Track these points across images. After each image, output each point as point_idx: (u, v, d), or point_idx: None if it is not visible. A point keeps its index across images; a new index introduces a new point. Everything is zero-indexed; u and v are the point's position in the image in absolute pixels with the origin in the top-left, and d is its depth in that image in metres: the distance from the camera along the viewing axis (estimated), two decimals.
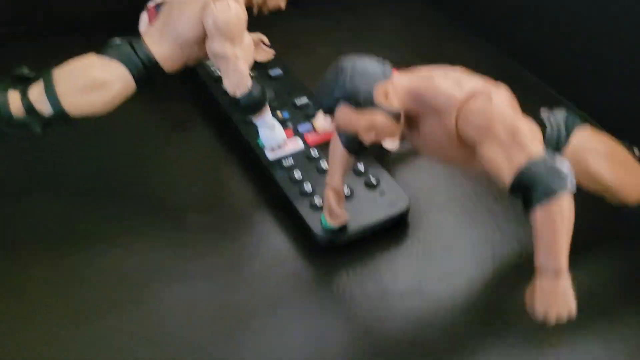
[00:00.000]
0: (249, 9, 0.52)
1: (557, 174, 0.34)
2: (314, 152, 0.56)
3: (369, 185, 0.53)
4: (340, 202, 0.49)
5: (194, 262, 0.49)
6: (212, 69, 0.64)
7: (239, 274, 0.49)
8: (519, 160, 0.35)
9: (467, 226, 0.53)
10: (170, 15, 0.50)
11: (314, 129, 0.58)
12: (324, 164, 0.54)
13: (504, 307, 0.46)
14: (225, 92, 0.60)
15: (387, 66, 0.38)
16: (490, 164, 0.36)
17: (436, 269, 0.49)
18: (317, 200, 0.51)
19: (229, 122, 0.60)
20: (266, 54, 0.65)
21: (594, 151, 0.41)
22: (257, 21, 0.57)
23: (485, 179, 0.56)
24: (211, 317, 0.45)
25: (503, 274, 0.49)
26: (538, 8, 0.66)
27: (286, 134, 0.56)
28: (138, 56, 0.50)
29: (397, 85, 0.38)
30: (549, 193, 0.33)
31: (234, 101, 0.51)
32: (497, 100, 0.36)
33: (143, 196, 0.55)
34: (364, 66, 0.38)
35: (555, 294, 0.34)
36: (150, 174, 0.57)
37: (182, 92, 0.66)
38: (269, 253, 0.51)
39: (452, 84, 0.37)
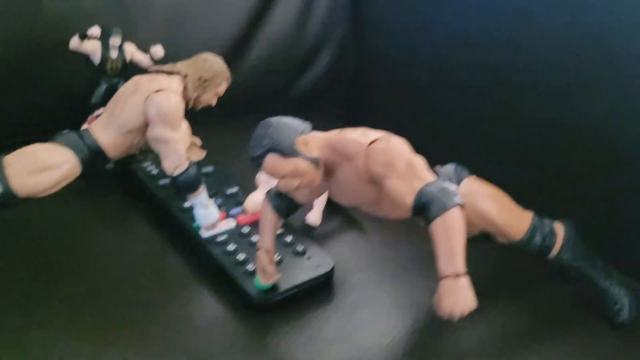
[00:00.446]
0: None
1: (448, 193, 0.42)
2: (245, 229, 0.62)
3: (297, 253, 0.59)
4: (271, 261, 0.54)
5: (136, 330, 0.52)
6: (148, 168, 0.71)
7: (183, 336, 0.52)
8: (417, 186, 0.43)
9: (387, 282, 0.59)
10: (115, 108, 0.58)
11: (244, 210, 0.64)
12: (254, 238, 0.60)
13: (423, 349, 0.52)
14: (162, 187, 0.67)
15: (307, 124, 0.47)
16: (395, 192, 0.43)
17: (361, 320, 0.54)
18: (251, 267, 0.56)
19: (167, 213, 0.65)
20: (199, 154, 0.73)
21: (480, 193, 0.50)
22: (192, 125, 0.65)
23: (400, 246, 0.64)
24: None
25: (421, 321, 0.55)
26: None
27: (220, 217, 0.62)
28: (85, 143, 0.56)
29: (315, 139, 0.46)
30: (443, 207, 0.41)
31: (173, 181, 0.57)
32: (395, 142, 0.44)
33: (85, 285, 0.57)
34: (287, 121, 0.46)
35: (457, 292, 0.41)
36: (90, 262, 0.60)
37: (118, 191, 0.71)
38: (208, 318, 0.55)
39: (359, 135, 0.46)
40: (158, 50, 0.77)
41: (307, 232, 0.64)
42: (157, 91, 0.57)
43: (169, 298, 0.56)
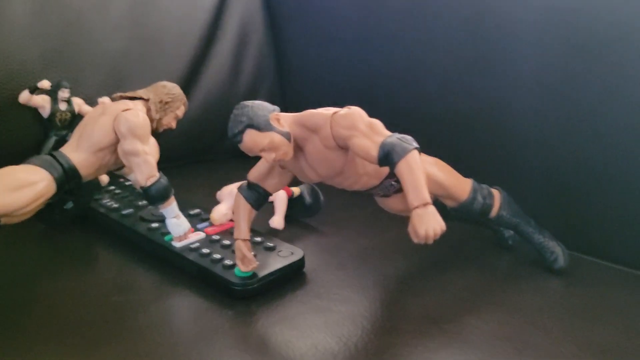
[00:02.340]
0: None
1: (406, 140, 0.50)
2: (216, 237, 0.66)
3: (268, 248, 0.64)
4: (249, 249, 0.58)
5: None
6: (109, 203, 0.74)
7: (170, 330, 0.54)
8: (379, 140, 0.50)
9: (352, 267, 0.65)
10: (85, 129, 0.62)
11: (210, 223, 0.68)
12: (226, 242, 0.64)
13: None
14: (126, 215, 0.70)
15: (275, 106, 0.53)
16: (361, 149, 0.50)
17: (332, 298, 0.59)
18: (228, 262, 0.60)
19: (135, 236, 0.68)
20: None
21: (426, 161, 0.58)
22: None
23: (358, 239, 0.70)
24: None
25: (386, 293, 0.60)
26: None
27: None
28: (59, 162, 0.59)
29: (285, 117, 0.53)
30: (404, 149, 0.49)
31: (145, 192, 0.61)
32: (355, 109, 0.52)
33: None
34: (260, 102, 0.53)
35: (428, 217, 0.47)
36: (60, 291, 0.61)
37: (79, 230, 0.73)
38: (192, 312, 0.57)
39: (323, 110, 0.53)
40: (105, 102, 0.82)
41: (273, 234, 0.69)
42: (125, 110, 0.61)
43: (150, 304, 0.58)
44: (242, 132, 0.51)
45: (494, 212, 0.62)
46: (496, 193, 0.63)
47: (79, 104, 0.82)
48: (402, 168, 0.49)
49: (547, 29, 0.69)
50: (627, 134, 0.64)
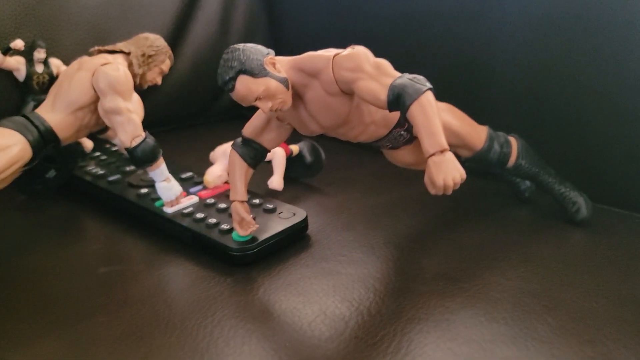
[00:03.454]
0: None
1: (418, 80, 0.44)
2: (210, 200, 0.61)
3: (267, 210, 0.59)
4: (247, 211, 0.53)
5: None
6: (94, 170, 0.68)
7: (166, 301, 0.49)
8: (388, 81, 0.44)
9: (356, 227, 0.60)
10: (61, 88, 0.56)
11: (204, 187, 0.63)
12: (221, 205, 0.59)
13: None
14: (113, 182, 0.65)
15: (270, 49, 0.48)
16: (368, 92, 0.45)
17: (338, 261, 0.54)
18: (225, 226, 0.55)
19: (123, 204, 0.63)
20: None
21: (439, 107, 0.52)
22: None
23: (361, 198, 0.65)
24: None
25: (395, 252, 0.56)
26: None
27: None
28: (34, 124, 0.53)
29: (281, 61, 0.47)
30: (417, 91, 0.43)
31: (131, 153, 0.56)
32: (359, 48, 0.46)
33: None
34: (252, 45, 0.47)
35: (446, 165, 0.42)
36: (49, 265, 0.56)
37: (63, 199, 0.68)
38: (189, 280, 0.52)
39: (324, 52, 0.47)
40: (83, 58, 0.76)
41: (273, 196, 0.64)
42: (104, 65, 0.56)
43: (141, 274, 0.53)
44: (233, 78, 0.46)
45: (511, 161, 0.57)
46: (513, 141, 0.58)
47: (57, 65, 0.76)
48: (415, 111, 0.43)
49: None
50: None
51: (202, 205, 0.60)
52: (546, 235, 0.58)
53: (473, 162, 0.57)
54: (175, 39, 0.91)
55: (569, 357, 0.40)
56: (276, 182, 0.66)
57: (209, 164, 0.67)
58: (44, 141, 0.54)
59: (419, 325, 0.44)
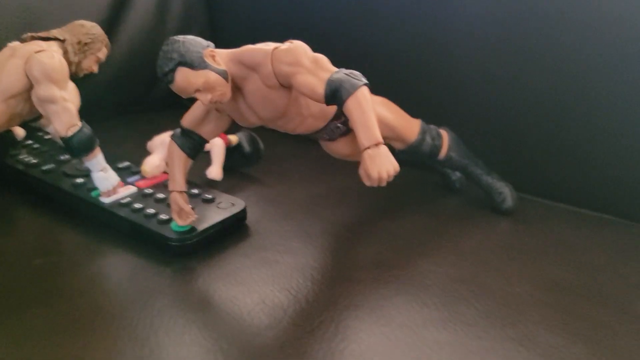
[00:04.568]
0: None
1: (354, 75, 0.46)
2: (148, 190, 0.60)
3: (206, 200, 0.59)
4: (186, 201, 0.53)
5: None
6: (27, 158, 0.66)
7: (104, 292, 0.49)
8: (325, 76, 0.46)
9: (294, 217, 0.61)
10: None
11: (142, 176, 0.63)
12: (160, 195, 0.59)
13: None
14: (47, 171, 0.64)
15: (209, 42, 0.48)
16: (306, 86, 0.46)
17: (277, 250, 0.55)
18: (164, 216, 0.55)
19: (58, 194, 0.61)
20: None
21: (374, 101, 0.54)
22: None
23: (297, 188, 0.67)
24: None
25: (331, 241, 0.58)
26: None
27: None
28: None
29: (221, 53, 0.48)
30: (353, 85, 0.45)
31: (67, 143, 0.55)
32: (297, 43, 0.47)
33: None
34: (192, 37, 0.47)
35: (380, 158, 0.44)
36: None
37: None
38: (127, 271, 0.52)
39: (263, 45, 0.48)
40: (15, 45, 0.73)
41: (211, 186, 0.64)
42: (38, 52, 0.54)
43: (78, 266, 0.53)
44: (173, 70, 0.46)
45: (442, 153, 0.60)
46: (444, 134, 0.61)
47: None
48: (351, 105, 0.45)
49: None
50: (579, 71, 0.62)
51: (140, 195, 0.60)
52: (475, 224, 0.61)
53: (406, 154, 0.59)
54: (111, 26, 0.88)
55: (493, 339, 0.43)
56: (215, 172, 0.66)
57: (147, 153, 0.67)
58: None
59: (355, 311, 0.46)
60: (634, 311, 0.47)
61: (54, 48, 0.57)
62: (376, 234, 0.59)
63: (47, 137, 0.73)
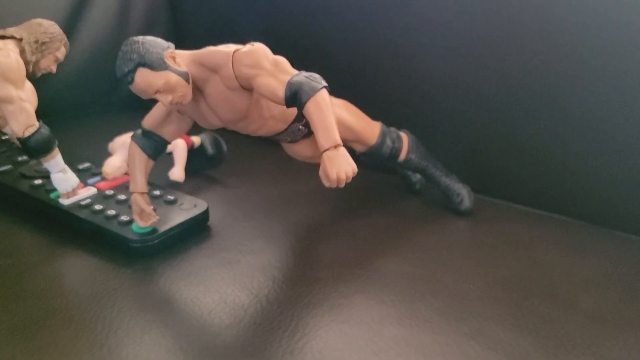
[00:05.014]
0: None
1: (314, 78, 0.47)
2: (109, 192, 0.60)
3: (168, 202, 0.59)
4: (147, 202, 0.53)
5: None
6: None
7: (63, 295, 0.49)
8: (286, 79, 0.47)
9: (256, 217, 0.62)
10: None
11: (103, 177, 0.62)
12: (121, 197, 0.59)
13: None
14: (3, 172, 0.63)
15: (170, 43, 0.48)
16: (266, 89, 0.47)
17: (239, 250, 0.56)
18: (125, 218, 0.55)
19: (15, 195, 0.61)
20: None
21: (334, 104, 0.55)
22: None
23: (260, 188, 0.67)
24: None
25: (293, 242, 0.58)
26: None
27: None
28: None
29: (181, 55, 0.48)
30: (313, 88, 0.46)
31: (24, 143, 0.54)
32: (258, 45, 0.48)
33: None
34: (152, 38, 0.47)
35: (339, 159, 0.45)
36: None
37: None
38: (87, 273, 0.52)
39: (224, 47, 0.48)
40: None
41: (173, 187, 0.64)
42: None
43: (37, 267, 0.52)
44: (132, 71, 0.46)
45: (402, 155, 0.61)
46: (404, 136, 0.62)
47: None
48: (310, 108, 0.46)
49: None
50: (531, 75, 0.64)
51: (101, 196, 0.59)
52: (434, 224, 0.63)
53: (367, 156, 0.61)
54: (71, 25, 0.87)
55: (447, 334, 0.45)
56: (177, 173, 0.66)
57: (108, 154, 0.66)
58: None
59: (315, 309, 0.47)
60: (580, 306, 0.49)
61: (10, 47, 0.56)
62: (336, 234, 0.60)
63: (4, 137, 0.72)
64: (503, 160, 0.69)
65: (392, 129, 0.62)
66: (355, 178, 0.47)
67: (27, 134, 0.54)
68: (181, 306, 0.48)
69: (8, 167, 0.64)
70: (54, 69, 0.61)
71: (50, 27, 0.60)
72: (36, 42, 0.58)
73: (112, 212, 0.56)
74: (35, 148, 0.55)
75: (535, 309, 0.48)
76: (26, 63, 0.57)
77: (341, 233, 0.60)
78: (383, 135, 0.60)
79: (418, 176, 0.68)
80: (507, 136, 0.68)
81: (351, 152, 0.58)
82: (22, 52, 0.57)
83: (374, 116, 0.61)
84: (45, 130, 0.55)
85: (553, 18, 0.61)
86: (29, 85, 0.55)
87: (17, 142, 0.56)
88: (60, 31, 0.61)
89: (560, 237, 0.61)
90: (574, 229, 0.63)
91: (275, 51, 0.50)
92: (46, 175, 0.60)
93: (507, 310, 0.48)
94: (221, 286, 0.50)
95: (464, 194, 0.64)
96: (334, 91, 0.50)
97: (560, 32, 0.61)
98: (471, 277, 0.52)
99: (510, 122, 0.67)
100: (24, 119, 0.54)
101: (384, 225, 0.62)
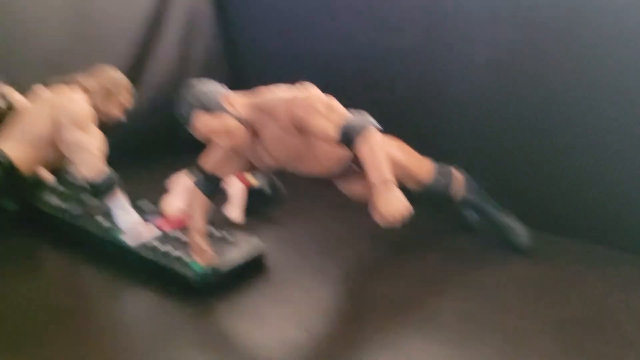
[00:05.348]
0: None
1: (367, 120, 0.48)
2: (171, 233, 0.63)
3: (226, 242, 0.61)
4: (207, 244, 0.56)
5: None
6: (53, 202, 0.69)
7: (127, 332, 0.51)
8: (340, 121, 0.48)
9: (313, 259, 0.64)
10: (22, 122, 0.58)
11: (164, 216, 0.65)
12: (182, 238, 0.61)
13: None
14: (76, 216, 0.66)
15: (224, 85, 0.51)
16: (321, 130, 0.49)
17: (295, 290, 0.58)
18: (187, 258, 0.57)
19: (84, 236, 0.64)
20: None
21: (387, 142, 0.56)
22: None
23: (318, 230, 0.68)
24: None
25: (350, 284, 0.59)
26: None
27: None
28: None
29: (239, 100, 0.51)
30: (364, 127, 0.48)
31: (91, 185, 0.57)
32: (313, 91, 0.50)
33: None
34: (207, 82, 0.50)
35: (389, 195, 0.46)
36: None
37: (21, 230, 0.68)
38: (149, 311, 0.55)
39: (279, 91, 0.51)
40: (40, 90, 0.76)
41: (231, 226, 0.67)
42: (63, 97, 0.58)
43: (101, 306, 0.55)
44: (190, 114, 0.49)
45: (458, 193, 0.62)
46: (458, 175, 0.63)
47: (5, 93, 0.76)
48: (362, 148, 0.48)
49: (498, 11, 0.68)
50: (586, 113, 0.64)
51: (164, 237, 0.62)
52: (489, 262, 0.63)
53: (422, 195, 0.61)
54: (132, 76, 0.92)
55: None
56: (236, 214, 0.69)
57: (166, 192, 0.69)
58: (7, 176, 0.55)
59: (371, 350, 0.47)
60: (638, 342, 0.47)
61: (78, 94, 0.60)
62: (392, 272, 0.60)
63: (71, 179, 0.76)
64: (560, 194, 0.68)
65: (446, 167, 0.62)
66: (409, 217, 0.48)
67: (94, 177, 0.57)
68: (237, 344, 0.49)
69: (79, 209, 0.67)
70: (120, 114, 0.65)
71: (113, 74, 0.64)
72: (102, 88, 0.62)
73: (174, 252, 0.58)
74: (100, 189, 0.58)
75: (595, 349, 0.47)
76: (93, 108, 0.61)
77: (396, 272, 0.60)
78: (437, 173, 0.60)
79: (474, 214, 0.68)
80: (570, 171, 0.67)
81: (405, 192, 0.59)
82: (89, 98, 0.61)
83: (429, 155, 0.62)
84: (114, 175, 0.58)
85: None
86: (97, 131, 0.59)
87: (84, 183, 0.59)
88: (124, 78, 0.65)
89: (620, 274, 0.59)
90: (636, 270, 0.61)
91: (328, 90, 0.52)
92: (113, 217, 0.62)
93: (560, 347, 0.47)
94: (277, 324, 0.51)
95: (520, 231, 0.63)
96: (387, 129, 0.52)
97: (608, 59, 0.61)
98: (528, 315, 0.52)
99: (573, 160, 0.66)
100: (91, 162, 0.57)
101: (439, 263, 0.62)
